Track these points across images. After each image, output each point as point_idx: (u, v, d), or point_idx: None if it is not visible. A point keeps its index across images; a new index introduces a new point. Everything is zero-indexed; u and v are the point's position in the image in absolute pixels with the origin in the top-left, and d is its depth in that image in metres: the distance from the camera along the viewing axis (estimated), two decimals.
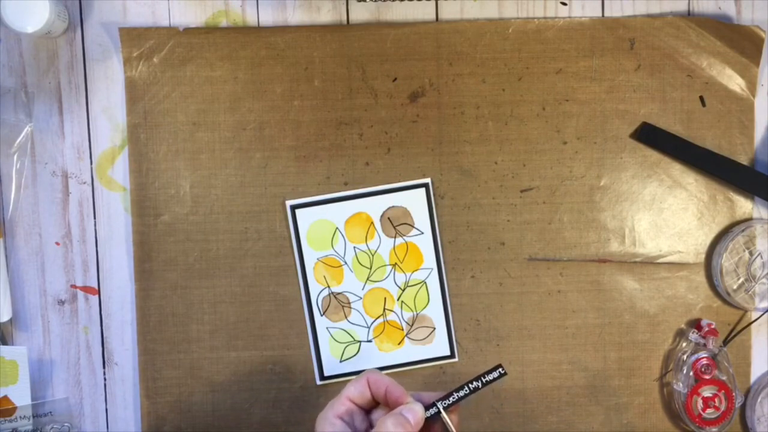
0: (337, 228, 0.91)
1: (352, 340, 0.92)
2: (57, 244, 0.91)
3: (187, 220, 0.91)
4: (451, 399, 0.73)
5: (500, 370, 0.75)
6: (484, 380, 0.75)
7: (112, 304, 0.92)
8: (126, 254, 0.92)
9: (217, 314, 0.92)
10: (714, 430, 0.91)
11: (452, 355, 0.92)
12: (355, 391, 0.75)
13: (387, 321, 0.92)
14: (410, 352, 0.92)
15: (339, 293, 0.91)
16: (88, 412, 0.93)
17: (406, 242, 0.91)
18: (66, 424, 0.92)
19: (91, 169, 0.92)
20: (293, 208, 0.91)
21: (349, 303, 0.92)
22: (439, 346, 0.92)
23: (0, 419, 0.89)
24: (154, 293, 0.91)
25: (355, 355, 0.92)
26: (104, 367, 0.93)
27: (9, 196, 0.91)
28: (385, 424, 0.71)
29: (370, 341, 0.92)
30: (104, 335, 0.93)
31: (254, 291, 0.92)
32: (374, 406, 0.75)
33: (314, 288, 0.91)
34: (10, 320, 0.91)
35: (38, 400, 0.91)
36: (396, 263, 0.92)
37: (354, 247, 0.91)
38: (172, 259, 0.91)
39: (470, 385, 0.75)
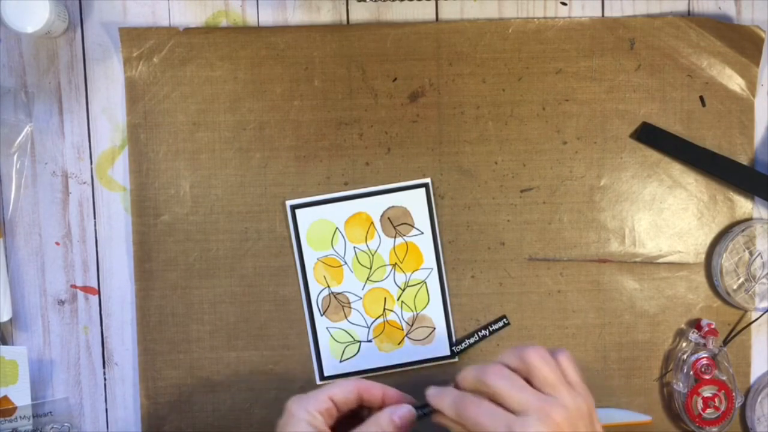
0: (337, 228, 0.91)
1: (352, 340, 0.92)
2: (57, 244, 0.91)
3: (187, 220, 0.91)
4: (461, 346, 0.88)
5: (504, 320, 0.90)
6: (491, 329, 0.90)
7: (112, 304, 0.92)
8: (126, 254, 0.92)
9: (217, 314, 0.92)
10: (714, 430, 0.91)
11: (452, 356, 0.92)
12: (341, 394, 0.74)
13: (387, 321, 0.92)
14: (410, 352, 0.92)
15: (339, 293, 0.91)
16: (88, 412, 0.93)
17: (406, 242, 0.91)
18: (66, 424, 0.92)
19: (91, 169, 0.92)
20: (293, 208, 0.91)
21: (349, 303, 0.92)
22: (439, 346, 0.92)
23: (0, 419, 0.89)
24: (154, 293, 0.91)
25: (355, 355, 0.92)
26: (104, 367, 0.93)
27: (9, 196, 0.91)
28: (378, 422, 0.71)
29: (370, 341, 0.92)
30: (104, 335, 0.93)
31: (254, 291, 0.92)
32: (346, 414, 0.75)
33: (314, 288, 0.91)
34: (10, 320, 0.91)
35: (38, 400, 0.91)
36: (396, 263, 0.92)
37: (354, 247, 0.91)
38: (172, 259, 0.91)
39: (479, 334, 0.90)
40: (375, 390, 0.75)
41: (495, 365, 0.71)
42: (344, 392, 0.74)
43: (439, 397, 0.73)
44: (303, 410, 0.72)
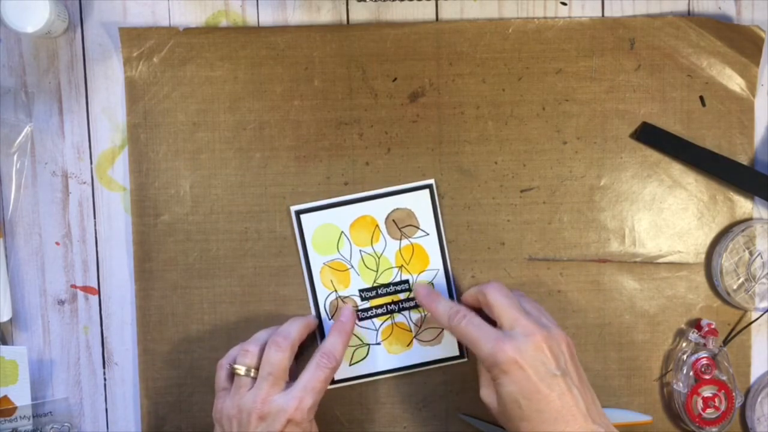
0: (342, 232, 0.91)
1: (360, 343, 0.92)
2: (57, 244, 0.91)
3: (187, 220, 0.91)
4: None
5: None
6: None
7: (112, 304, 0.92)
8: (126, 254, 0.92)
9: (217, 314, 0.92)
10: (714, 430, 0.92)
11: (462, 356, 0.92)
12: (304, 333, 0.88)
13: (395, 323, 0.92)
14: (419, 353, 0.92)
15: (346, 297, 0.91)
16: (88, 412, 0.93)
17: (411, 244, 0.91)
18: (66, 424, 0.92)
19: (91, 169, 0.91)
20: (298, 213, 0.90)
21: (357, 306, 0.91)
22: (447, 346, 0.92)
23: (0, 419, 0.89)
24: (154, 293, 0.91)
25: (364, 358, 0.92)
26: (104, 367, 0.93)
27: (9, 196, 0.90)
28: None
29: (378, 344, 0.92)
30: (104, 335, 0.93)
31: (254, 291, 0.92)
32: None
33: (321, 293, 0.91)
34: (10, 320, 0.91)
35: (38, 400, 0.91)
36: (402, 265, 0.91)
37: (360, 251, 0.91)
38: (172, 259, 0.91)
39: None
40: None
41: (496, 282, 0.83)
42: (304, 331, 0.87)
43: (433, 303, 0.86)
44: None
